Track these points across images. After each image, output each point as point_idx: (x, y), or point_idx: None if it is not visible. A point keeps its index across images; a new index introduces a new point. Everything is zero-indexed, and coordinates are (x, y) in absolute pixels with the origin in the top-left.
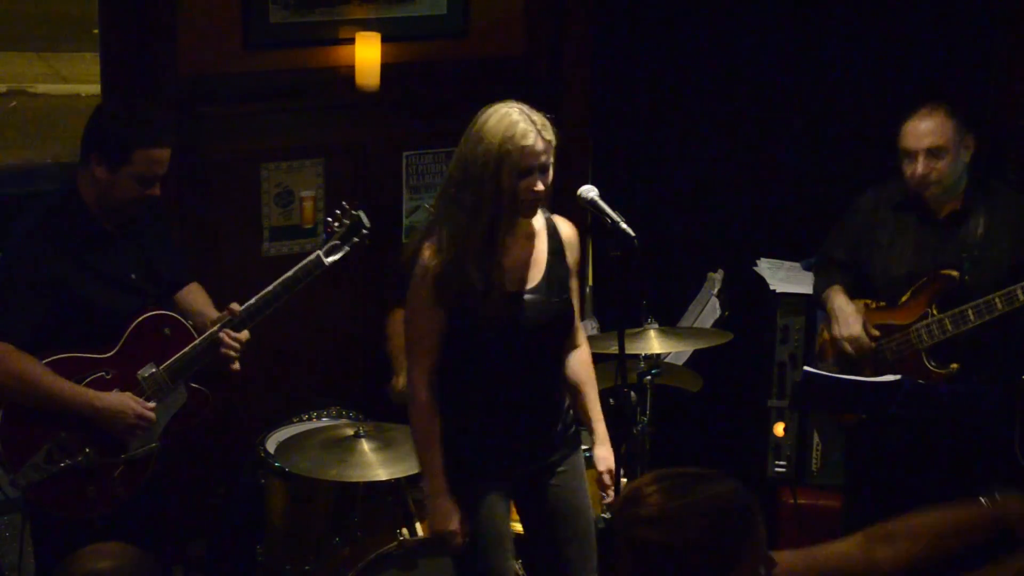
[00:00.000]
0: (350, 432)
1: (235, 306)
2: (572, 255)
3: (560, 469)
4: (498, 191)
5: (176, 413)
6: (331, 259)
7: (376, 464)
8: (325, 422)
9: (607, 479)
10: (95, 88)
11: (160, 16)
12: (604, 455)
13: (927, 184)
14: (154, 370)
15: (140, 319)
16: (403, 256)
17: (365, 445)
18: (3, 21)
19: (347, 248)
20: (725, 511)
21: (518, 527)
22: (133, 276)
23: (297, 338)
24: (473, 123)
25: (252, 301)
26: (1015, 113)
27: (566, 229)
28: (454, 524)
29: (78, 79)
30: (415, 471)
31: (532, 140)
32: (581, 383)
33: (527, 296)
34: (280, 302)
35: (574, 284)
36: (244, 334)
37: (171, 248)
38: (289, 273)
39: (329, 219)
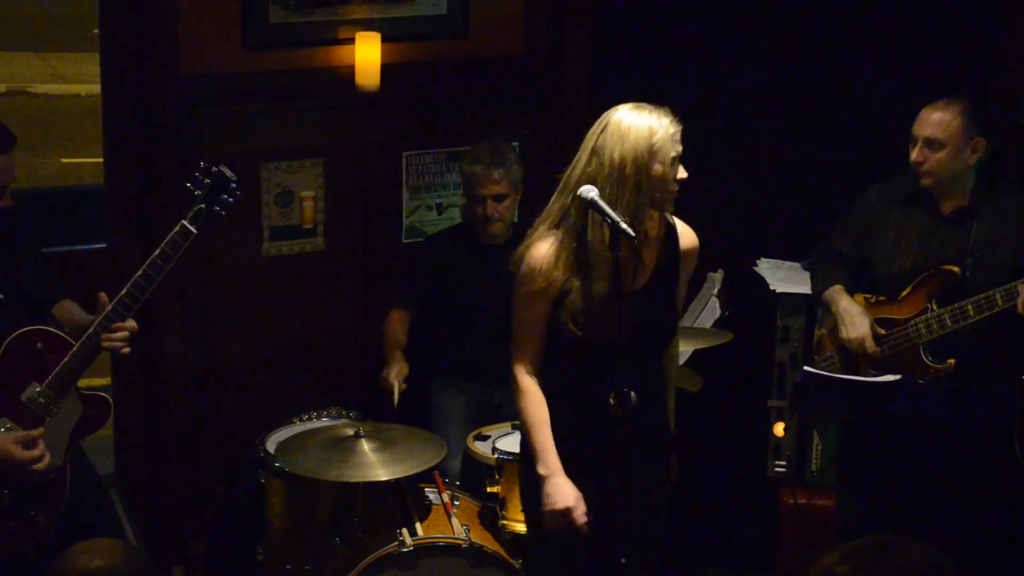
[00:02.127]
0: (350, 432)
1: (103, 296)
2: (688, 263)
3: (644, 473)
4: (650, 183)
5: (76, 424)
6: (198, 224)
7: (376, 464)
8: (325, 422)
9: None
10: (95, 88)
11: (160, 16)
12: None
13: (919, 173)
14: (37, 388)
15: (7, 340)
16: (524, 251)
17: (365, 445)
18: (3, 21)
19: (217, 207)
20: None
21: (520, 527)
22: (1, 296)
23: (297, 338)
24: (603, 124)
25: (125, 290)
26: (1016, 113)
27: (687, 238)
28: (574, 501)
29: (78, 79)
30: (415, 471)
31: (676, 128)
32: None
33: (632, 297)
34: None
35: (680, 293)
36: (130, 323)
37: (41, 265)
38: (157, 251)
39: (188, 184)
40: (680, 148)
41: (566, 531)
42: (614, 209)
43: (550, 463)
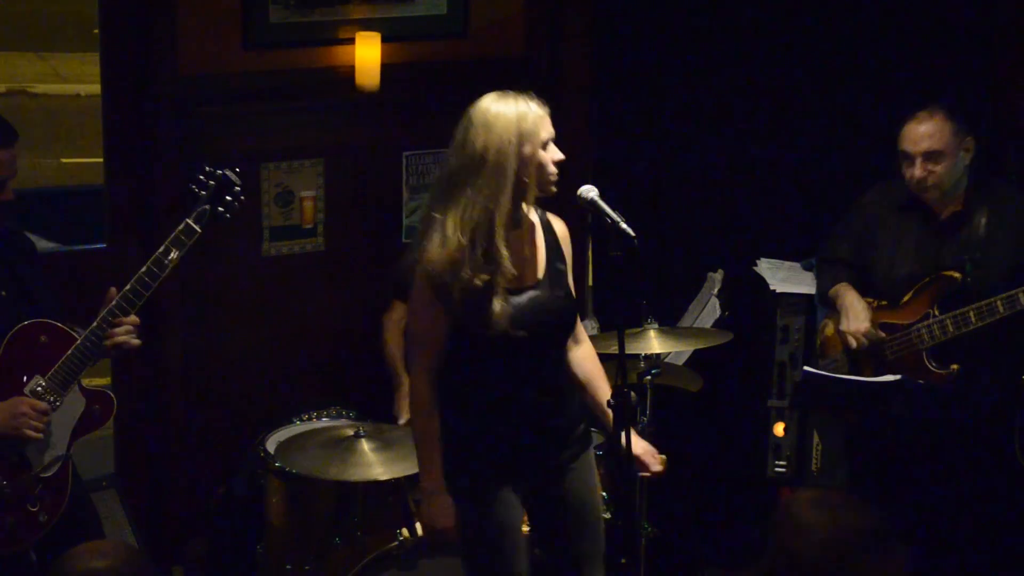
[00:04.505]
0: (350, 432)
1: (113, 291)
2: (568, 250)
3: (572, 466)
4: (521, 169)
5: (78, 420)
6: (202, 223)
7: (376, 464)
8: (325, 422)
9: (649, 459)
10: (95, 88)
11: (160, 16)
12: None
13: (925, 188)
14: (42, 382)
15: (12, 332)
16: (408, 255)
17: (365, 445)
18: (3, 21)
19: (221, 209)
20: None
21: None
22: (3, 293)
23: (297, 338)
24: (468, 117)
25: (128, 286)
26: (1015, 114)
27: (559, 225)
28: (451, 521)
29: (78, 79)
30: (415, 471)
31: (543, 111)
32: (592, 378)
33: (530, 292)
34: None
35: (571, 280)
36: (132, 317)
37: (46, 282)
38: (161, 247)
39: (192, 186)
40: (552, 130)
41: (441, 546)
42: (477, 203)
43: (437, 480)
